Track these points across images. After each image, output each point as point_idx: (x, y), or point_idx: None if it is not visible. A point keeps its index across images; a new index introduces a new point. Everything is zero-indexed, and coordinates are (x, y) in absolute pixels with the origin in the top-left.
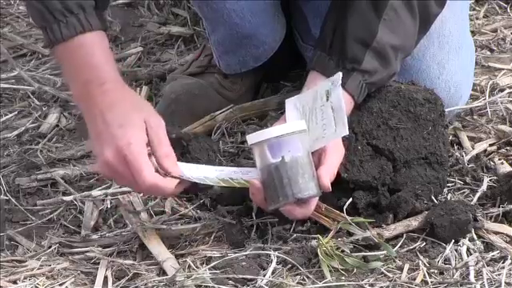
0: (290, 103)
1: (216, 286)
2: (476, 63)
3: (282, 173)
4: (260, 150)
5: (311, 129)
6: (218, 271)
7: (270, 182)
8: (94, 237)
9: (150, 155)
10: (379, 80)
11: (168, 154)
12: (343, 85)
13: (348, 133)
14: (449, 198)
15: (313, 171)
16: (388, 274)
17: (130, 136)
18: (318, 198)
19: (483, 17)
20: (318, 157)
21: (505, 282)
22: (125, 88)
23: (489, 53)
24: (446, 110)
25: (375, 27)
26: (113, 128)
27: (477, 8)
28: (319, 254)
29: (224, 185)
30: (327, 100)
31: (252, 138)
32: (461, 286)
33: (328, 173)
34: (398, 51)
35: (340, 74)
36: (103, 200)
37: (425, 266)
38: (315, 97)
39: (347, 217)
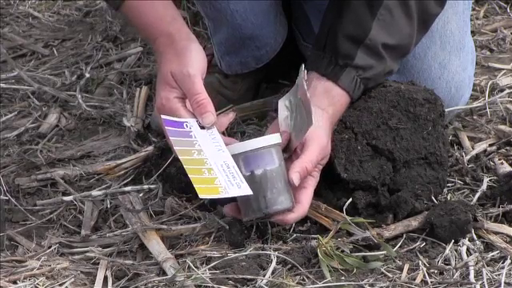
0: (281, 103)
1: (216, 286)
2: (476, 63)
3: (252, 187)
4: (236, 163)
5: (296, 123)
6: (217, 271)
7: (242, 196)
8: (94, 237)
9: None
10: (374, 75)
11: (198, 105)
12: (337, 80)
13: (312, 124)
14: (449, 198)
15: (286, 183)
16: (388, 274)
17: (163, 96)
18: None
19: (483, 17)
20: (299, 149)
21: (504, 282)
22: (170, 39)
23: (489, 53)
24: (446, 110)
25: (369, 25)
26: (157, 84)
27: (477, 8)
28: (319, 254)
29: (184, 165)
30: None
31: (230, 151)
32: (461, 286)
33: (299, 167)
34: (393, 50)
35: (303, 66)
36: (103, 200)
37: (425, 266)
38: (296, 92)
39: (347, 217)
